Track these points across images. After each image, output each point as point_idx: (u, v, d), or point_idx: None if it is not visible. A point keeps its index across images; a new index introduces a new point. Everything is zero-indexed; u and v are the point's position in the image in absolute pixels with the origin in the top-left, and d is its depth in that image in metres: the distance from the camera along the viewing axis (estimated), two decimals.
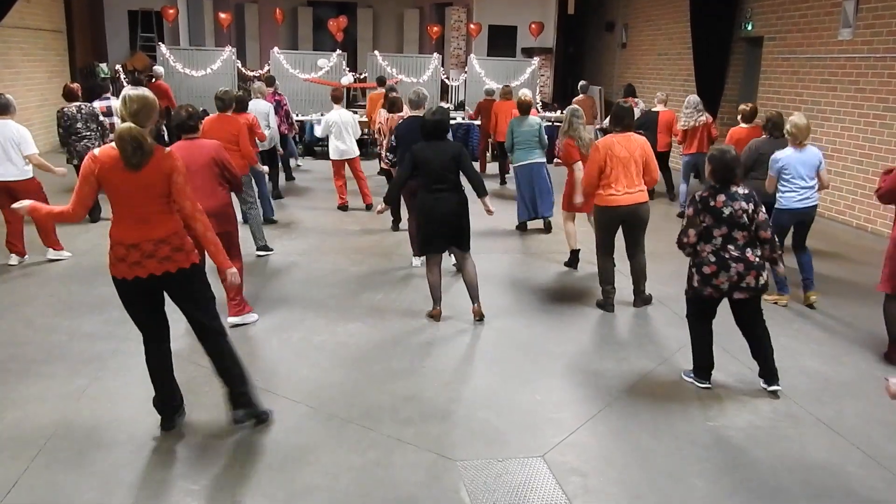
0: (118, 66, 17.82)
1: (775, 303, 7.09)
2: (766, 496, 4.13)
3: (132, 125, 4.01)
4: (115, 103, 10.55)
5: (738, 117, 9.58)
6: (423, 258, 7.31)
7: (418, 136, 6.42)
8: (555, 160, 8.47)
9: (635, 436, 4.72)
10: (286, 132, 12.27)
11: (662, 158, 11.52)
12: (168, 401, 4.54)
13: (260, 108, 10.39)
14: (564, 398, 5.22)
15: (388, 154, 7.90)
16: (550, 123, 15.34)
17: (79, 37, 17.17)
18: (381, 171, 10.51)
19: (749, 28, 13.77)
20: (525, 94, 10.54)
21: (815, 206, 7.09)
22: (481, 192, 6.42)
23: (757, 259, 5.04)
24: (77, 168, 8.31)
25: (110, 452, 4.27)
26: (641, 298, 7.03)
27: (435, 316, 6.49)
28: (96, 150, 4.11)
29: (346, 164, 10.66)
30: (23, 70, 13.90)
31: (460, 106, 18.21)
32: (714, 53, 14.26)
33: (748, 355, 5.41)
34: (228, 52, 16.54)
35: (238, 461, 4.25)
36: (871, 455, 4.59)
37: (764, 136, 7.78)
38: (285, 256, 8.38)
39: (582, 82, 15.61)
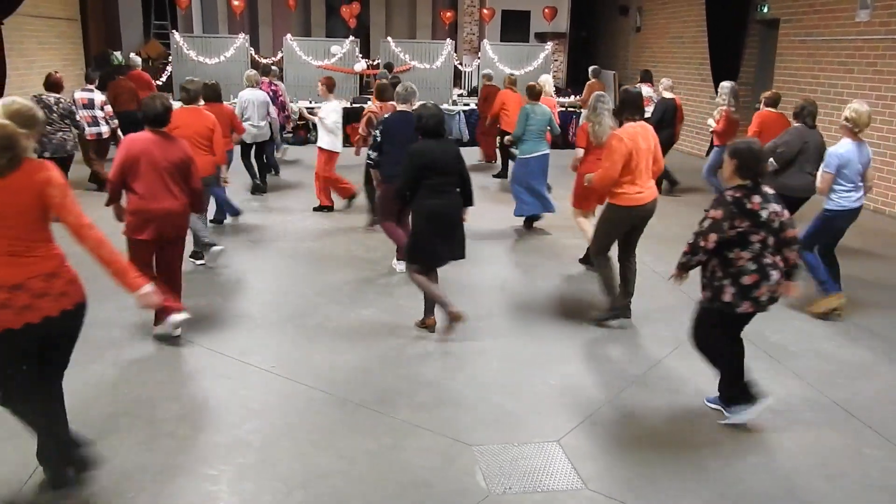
0: (132, 54, 17.85)
1: (832, 311, 6.43)
2: (781, 478, 4.13)
3: (8, 122, 3.41)
4: (97, 96, 10.34)
5: (762, 103, 9.14)
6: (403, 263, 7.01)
7: (407, 134, 5.99)
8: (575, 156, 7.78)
9: (650, 420, 4.72)
10: (283, 123, 12.01)
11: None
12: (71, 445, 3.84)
13: (257, 97, 10.12)
14: (579, 383, 5.22)
15: (370, 152, 7.09)
16: (564, 109, 15.28)
17: (93, 25, 17.20)
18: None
19: (765, 10, 13.63)
20: (545, 79, 10.40)
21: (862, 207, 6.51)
22: (471, 200, 5.88)
23: (784, 264, 4.49)
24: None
25: (128, 438, 4.30)
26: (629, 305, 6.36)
27: (429, 326, 5.94)
28: None
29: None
30: (38, 59, 13.95)
31: (473, 92, 18.14)
32: (729, 36, 14.14)
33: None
34: (242, 39, 16.54)
35: (253, 446, 4.28)
36: (887, 437, 4.58)
37: (797, 123, 7.28)
38: (298, 242, 8.40)
39: (593, 67, 15.50)
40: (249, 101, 10.08)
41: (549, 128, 8.84)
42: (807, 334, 6.13)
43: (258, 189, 10.76)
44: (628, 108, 5.92)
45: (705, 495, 3.96)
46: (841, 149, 6.27)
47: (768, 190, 4.43)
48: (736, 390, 4.66)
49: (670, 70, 16.61)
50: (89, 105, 10.23)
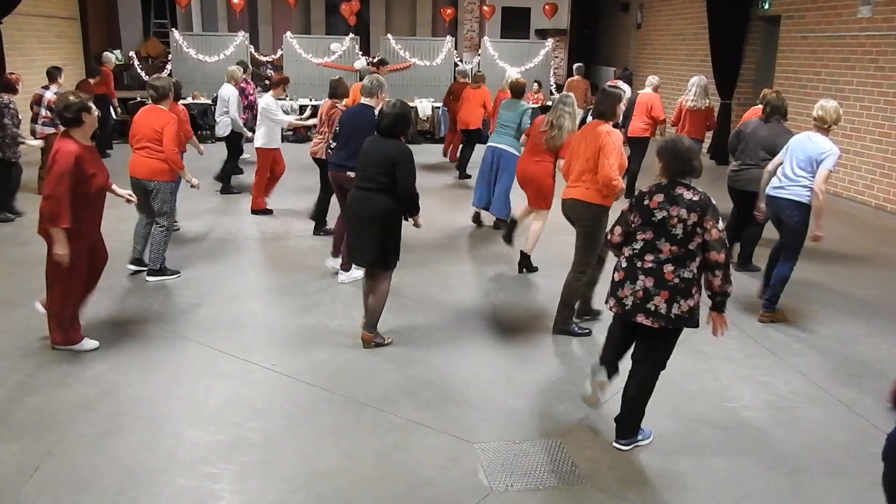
0: (132, 53, 17.85)
1: (771, 321, 6.26)
2: (786, 475, 4.12)
3: None
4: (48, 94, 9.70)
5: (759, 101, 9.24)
6: (339, 261, 7.08)
7: (363, 127, 5.84)
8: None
9: (653, 417, 4.69)
10: (246, 120, 11.40)
11: (640, 145, 10.66)
12: None
13: (225, 93, 10.23)
14: (580, 380, 5.19)
15: (331, 142, 7.03)
16: None
17: (92, 23, 17.20)
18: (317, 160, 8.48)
19: (766, 7, 13.62)
20: (511, 73, 10.44)
21: (789, 202, 6.14)
22: (410, 209, 5.45)
23: (677, 281, 4.01)
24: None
25: (131, 437, 4.30)
26: (555, 320, 6.05)
27: (365, 340, 5.63)
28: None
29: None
30: (38, 57, 13.94)
31: None
32: (731, 33, 14.14)
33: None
34: (241, 37, 16.51)
35: (257, 445, 4.27)
36: None
37: (758, 117, 7.41)
38: (301, 240, 8.39)
39: (577, 64, 15.46)
40: (220, 97, 10.43)
41: (517, 124, 8.53)
42: (810, 332, 6.12)
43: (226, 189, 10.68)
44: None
45: (708, 492, 3.95)
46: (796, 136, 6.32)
47: (686, 195, 4.01)
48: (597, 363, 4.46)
49: (672, 66, 16.60)
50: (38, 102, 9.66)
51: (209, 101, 15.18)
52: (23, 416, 4.49)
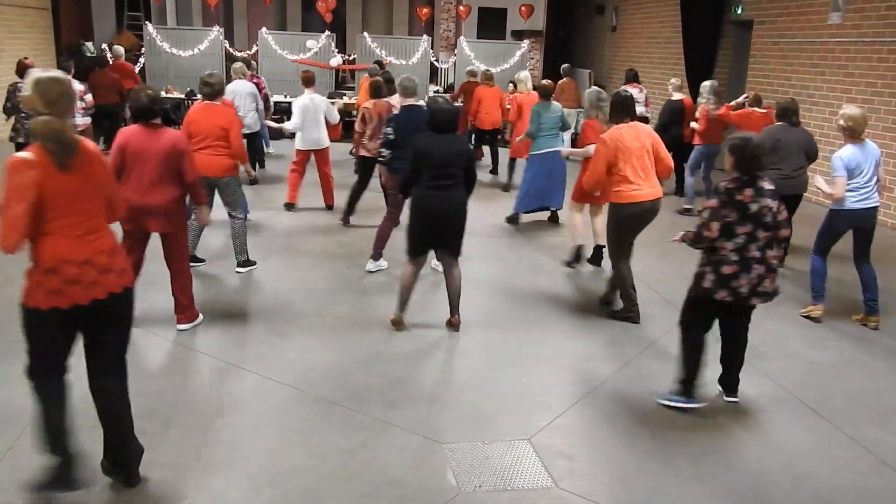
0: (104, 45, 17.63)
1: (808, 316, 6.53)
2: (750, 478, 4.16)
3: (50, 117, 3.31)
4: (76, 85, 9.74)
5: (746, 104, 9.61)
6: (378, 263, 7.27)
7: (419, 128, 5.93)
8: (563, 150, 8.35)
9: (621, 419, 4.74)
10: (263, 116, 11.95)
11: (687, 151, 10.59)
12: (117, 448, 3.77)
13: (245, 89, 10.04)
14: (551, 382, 5.22)
15: (382, 149, 6.91)
16: None
17: (64, 14, 16.95)
18: (360, 159, 8.72)
19: (739, 11, 13.75)
20: (524, 76, 10.62)
21: (877, 208, 6.34)
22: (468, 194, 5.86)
23: (775, 261, 4.63)
24: (21, 146, 7.97)
25: (97, 433, 4.24)
26: (609, 301, 6.57)
27: (397, 323, 5.93)
28: (26, 154, 3.32)
29: (313, 156, 9.54)
30: (7, 48, 13.74)
31: (450, 88, 18.12)
32: (704, 37, 14.26)
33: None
34: (216, 31, 16.38)
35: (224, 441, 4.24)
36: (856, 438, 4.63)
37: (778, 123, 7.49)
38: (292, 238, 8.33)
39: (565, 65, 15.54)
40: (237, 93, 9.99)
41: (561, 124, 8.95)
42: (779, 335, 6.18)
43: (251, 182, 10.68)
44: (617, 111, 6.08)
45: (674, 493, 3.98)
46: (844, 154, 6.20)
47: (766, 185, 4.55)
48: (680, 381, 4.85)
49: (646, 69, 16.70)
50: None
51: (182, 96, 15.05)
52: None
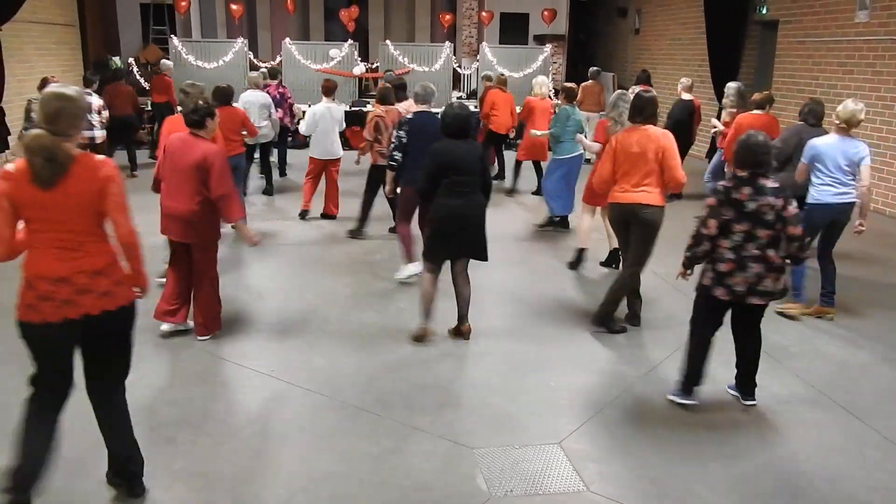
0: (131, 59, 17.86)
1: (781, 313, 6.45)
2: (783, 479, 4.11)
3: (42, 132, 3.27)
4: (94, 100, 10.41)
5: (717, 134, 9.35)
6: (419, 265, 6.97)
7: (432, 134, 5.95)
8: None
9: (651, 422, 4.71)
10: (289, 125, 12.01)
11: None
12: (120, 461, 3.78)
13: (257, 98, 10.08)
14: (578, 385, 5.20)
15: (394, 153, 6.89)
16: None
17: (91, 30, 17.19)
18: (373, 168, 8.53)
19: (764, 11, 13.64)
20: (541, 81, 10.62)
21: (852, 205, 6.37)
22: (487, 200, 5.79)
23: (779, 260, 4.58)
24: None
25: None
26: (631, 314, 6.32)
27: (421, 337, 5.83)
28: (9, 165, 3.34)
29: (326, 166, 9.47)
30: (37, 65, 13.94)
31: (472, 94, 18.15)
32: (728, 38, 14.13)
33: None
34: (240, 43, 16.53)
35: (254, 450, 4.27)
36: (890, 438, 4.57)
37: (799, 123, 7.39)
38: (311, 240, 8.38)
39: (593, 68, 15.49)
40: (250, 103, 10.04)
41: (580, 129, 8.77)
42: (808, 335, 6.12)
43: (267, 191, 10.89)
44: (631, 112, 6.00)
45: (706, 496, 3.95)
46: (818, 140, 6.34)
47: (767, 183, 4.51)
48: (685, 378, 4.89)
49: (669, 72, 16.63)
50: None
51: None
52: None
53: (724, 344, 5.62)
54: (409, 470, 4.11)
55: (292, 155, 13.66)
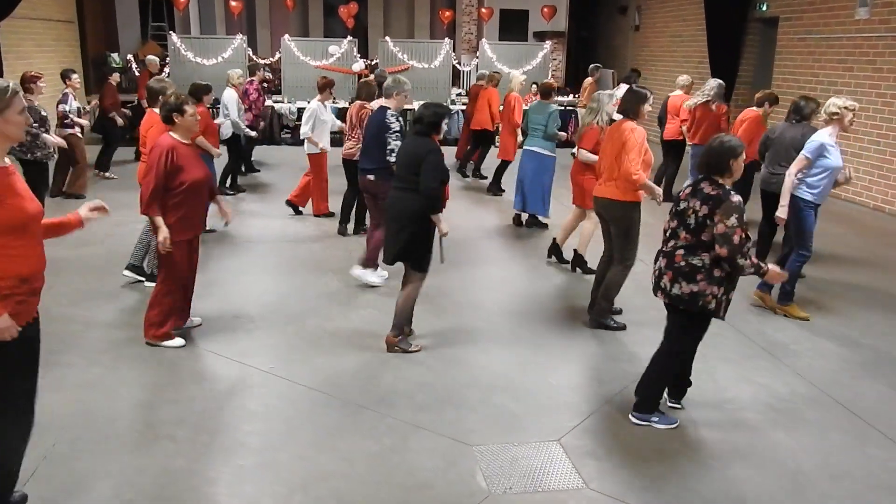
0: (129, 56, 17.85)
1: (774, 311, 6.48)
2: (784, 478, 4.10)
3: None
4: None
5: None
6: (371, 271, 6.97)
7: (376, 130, 6.09)
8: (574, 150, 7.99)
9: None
10: (250, 121, 11.44)
11: (675, 148, 10.69)
12: None
13: (230, 97, 10.28)
14: (578, 383, 5.20)
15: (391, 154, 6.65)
16: (563, 108, 15.27)
17: (90, 27, 17.21)
18: (344, 163, 8.40)
19: (764, 8, 13.63)
20: (513, 75, 10.78)
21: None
22: (429, 208, 5.28)
23: (683, 264, 4.32)
24: (27, 163, 7.83)
25: (128, 441, 4.28)
26: (592, 313, 6.20)
27: (392, 343, 5.57)
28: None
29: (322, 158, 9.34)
30: (35, 61, 13.92)
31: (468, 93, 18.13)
32: (728, 35, 14.14)
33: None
34: (239, 40, 16.50)
35: (254, 447, 4.26)
36: (890, 436, 4.56)
37: (786, 121, 7.43)
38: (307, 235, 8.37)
39: (593, 65, 15.50)
40: (225, 100, 10.39)
41: (545, 126, 8.60)
42: (809, 333, 6.11)
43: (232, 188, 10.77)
44: (619, 106, 6.08)
45: (707, 495, 3.94)
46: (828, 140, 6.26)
47: (706, 187, 4.28)
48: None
49: (670, 69, 16.61)
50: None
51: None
52: None
53: (723, 341, 5.63)
54: (409, 468, 4.10)
55: (288, 152, 13.67)
